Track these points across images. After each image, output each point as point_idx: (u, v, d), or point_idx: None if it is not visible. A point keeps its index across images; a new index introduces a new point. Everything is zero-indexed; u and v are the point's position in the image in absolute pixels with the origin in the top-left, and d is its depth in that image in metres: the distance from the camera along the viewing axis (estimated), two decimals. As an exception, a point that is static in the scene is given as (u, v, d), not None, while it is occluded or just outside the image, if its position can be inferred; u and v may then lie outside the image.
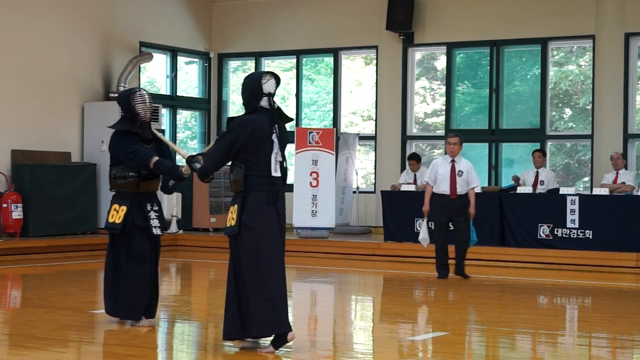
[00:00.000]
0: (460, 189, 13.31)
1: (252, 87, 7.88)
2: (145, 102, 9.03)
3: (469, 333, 9.35)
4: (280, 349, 7.79)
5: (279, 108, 7.99)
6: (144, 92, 9.12)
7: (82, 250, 16.08)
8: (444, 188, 13.32)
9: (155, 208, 9.10)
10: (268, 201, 7.77)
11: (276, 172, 7.84)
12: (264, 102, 7.85)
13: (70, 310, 9.83)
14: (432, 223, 14.04)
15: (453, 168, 13.35)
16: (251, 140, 7.71)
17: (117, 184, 9.03)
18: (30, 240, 16.12)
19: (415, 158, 17.72)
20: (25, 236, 16.29)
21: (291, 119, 8.28)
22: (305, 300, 12.03)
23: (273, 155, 7.81)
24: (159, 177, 9.12)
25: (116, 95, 18.41)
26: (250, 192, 7.75)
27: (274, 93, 7.92)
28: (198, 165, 8.13)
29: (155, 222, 9.04)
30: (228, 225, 7.83)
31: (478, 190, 13.89)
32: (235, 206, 7.76)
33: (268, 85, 7.86)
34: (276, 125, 7.86)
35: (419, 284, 13.44)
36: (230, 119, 7.92)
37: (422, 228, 13.77)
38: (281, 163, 7.90)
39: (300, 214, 17.29)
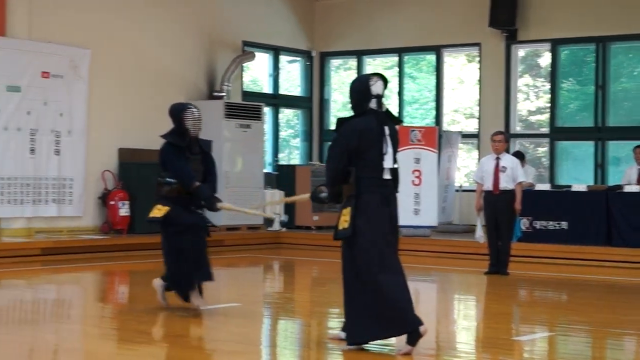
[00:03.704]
0: (505, 184, 13.52)
1: (360, 89, 7.85)
2: (195, 119, 9.52)
3: (575, 334, 9.23)
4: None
5: (388, 110, 7.95)
6: (195, 109, 9.59)
7: (187, 247, 16.25)
8: (488, 184, 13.61)
9: (199, 211, 9.66)
10: (381, 202, 7.72)
11: (387, 175, 7.79)
12: (373, 104, 7.80)
13: (177, 305, 9.96)
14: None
15: (497, 164, 13.61)
16: (360, 143, 7.67)
17: (160, 190, 9.60)
18: (137, 236, 16.35)
19: (519, 156, 17.50)
20: (131, 233, 16.56)
21: (401, 121, 8.26)
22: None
23: (385, 158, 7.75)
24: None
25: (220, 94, 18.65)
26: (362, 194, 7.70)
27: (382, 95, 7.88)
28: (324, 195, 8.11)
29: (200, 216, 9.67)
30: (340, 228, 7.77)
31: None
32: (349, 208, 7.72)
33: (376, 87, 7.82)
34: (386, 127, 7.81)
35: (523, 284, 13.30)
36: (340, 120, 7.90)
37: (477, 226, 13.97)
38: (393, 165, 7.83)
39: (402, 213, 17.07)
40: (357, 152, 7.70)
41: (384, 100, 7.93)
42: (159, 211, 9.49)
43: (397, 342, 7.86)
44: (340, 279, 7.97)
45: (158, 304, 9.89)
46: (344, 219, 7.75)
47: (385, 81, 7.91)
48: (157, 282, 9.85)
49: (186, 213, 9.50)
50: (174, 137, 9.61)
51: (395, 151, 7.89)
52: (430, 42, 20.24)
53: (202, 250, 9.57)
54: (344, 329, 7.96)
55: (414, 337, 7.63)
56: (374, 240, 7.67)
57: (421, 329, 7.61)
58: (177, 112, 9.57)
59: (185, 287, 9.58)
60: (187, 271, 9.48)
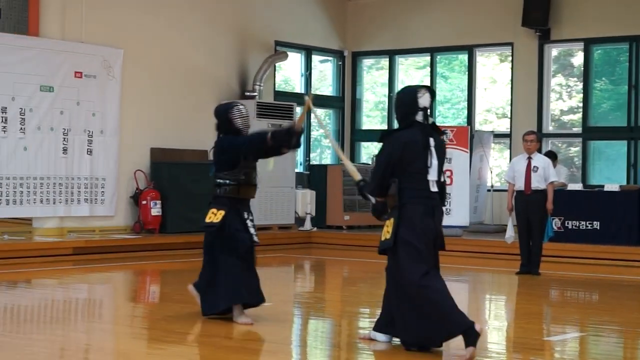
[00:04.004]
0: (536, 184, 13.47)
1: (407, 102, 7.82)
2: (244, 116, 9.20)
3: (606, 334, 9.17)
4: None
5: (434, 122, 7.90)
6: (242, 106, 9.29)
7: (218, 246, 16.29)
8: (520, 184, 13.56)
9: (251, 217, 9.22)
10: (425, 213, 7.67)
11: (434, 188, 7.76)
12: (419, 117, 7.78)
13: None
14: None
15: (529, 164, 13.57)
16: (404, 154, 7.65)
17: (215, 191, 9.18)
18: (169, 236, 16.43)
19: (551, 156, 17.42)
20: (163, 232, 16.62)
21: (444, 133, 8.15)
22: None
23: (430, 170, 7.71)
24: (255, 185, 9.29)
25: (252, 94, 18.68)
26: (406, 205, 7.67)
27: (429, 107, 7.83)
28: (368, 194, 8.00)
29: (253, 231, 9.16)
30: (382, 239, 7.74)
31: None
32: (392, 220, 7.70)
33: (423, 100, 7.79)
34: (432, 139, 7.78)
35: (554, 284, 13.25)
36: (385, 133, 7.90)
37: (508, 226, 13.96)
38: (439, 178, 7.78)
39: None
40: (402, 164, 7.67)
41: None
42: (214, 215, 9.08)
43: (454, 350, 7.76)
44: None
45: (189, 304, 9.91)
46: (387, 230, 7.74)
47: (433, 94, 7.87)
48: (193, 288, 9.44)
49: (240, 223, 9.09)
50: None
51: (441, 164, 7.83)
52: (462, 42, 20.19)
53: (252, 268, 9.21)
54: (375, 329, 7.96)
55: (471, 338, 7.48)
56: (417, 248, 7.60)
57: (477, 327, 7.50)
58: (224, 111, 9.26)
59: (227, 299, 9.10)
60: (233, 283, 9.03)
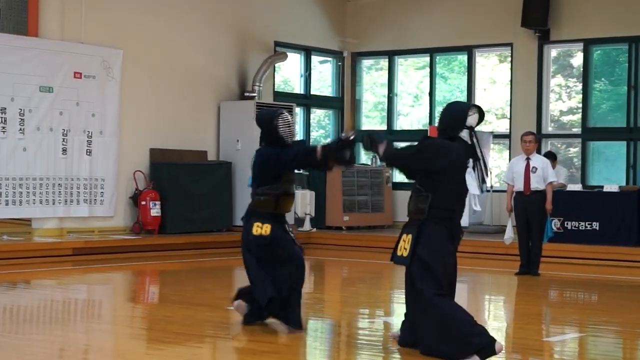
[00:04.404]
0: (536, 185, 13.54)
1: (457, 116, 7.66)
2: (290, 125, 8.69)
3: (605, 334, 9.18)
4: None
5: (474, 144, 7.68)
6: (286, 114, 8.75)
7: (218, 247, 16.33)
8: (519, 185, 13.61)
9: (290, 230, 8.90)
10: (447, 237, 7.60)
11: (460, 207, 7.66)
12: (464, 134, 7.64)
13: (206, 306, 9.99)
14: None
15: (527, 165, 13.63)
16: (446, 166, 7.52)
17: (255, 207, 8.71)
18: (168, 237, 16.43)
19: (551, 157, 17.44)
20: (162, 233, 16.61)
21: (479, 158, 7.82)
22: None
23: (468, 193, 7.60)
24: (293, 196, 8.83)
25: (251, 94, 18.66)
26: (428, 224, 7.56)
27: (474, 128, 7.68)
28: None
29: (298, 242, 8.84)
30: (399, 254, 7.63)
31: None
32: (410, 236, 7.58)
33: (471, 119, 7.64)
34: (471, 160, 7.63)
35: (554, 284, 13.26)
36: (425, 138, 7.75)
37: (507, 227, 13.99)
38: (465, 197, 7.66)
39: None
40: (438, 176, 7.53)
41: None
42: (260, 229, 8.59)
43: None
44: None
45: (188, 304, 9.93)
46: (404, 246, 7.63)
47: (482, 116, 7.72)
48: (242, 304, 9.00)
49: (286, 235, 8.74)
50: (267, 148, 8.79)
51: (471, 184, 7.65)
52: (462, 42, 20.18)
53: (299, 288, 8.94)
54: (402, 329, 7.92)
55: (485, 353, 7.36)
56: (434, 269, 7.51)
57: (496, 346, 7.37)
58: (269, 120, 8.67)
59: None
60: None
